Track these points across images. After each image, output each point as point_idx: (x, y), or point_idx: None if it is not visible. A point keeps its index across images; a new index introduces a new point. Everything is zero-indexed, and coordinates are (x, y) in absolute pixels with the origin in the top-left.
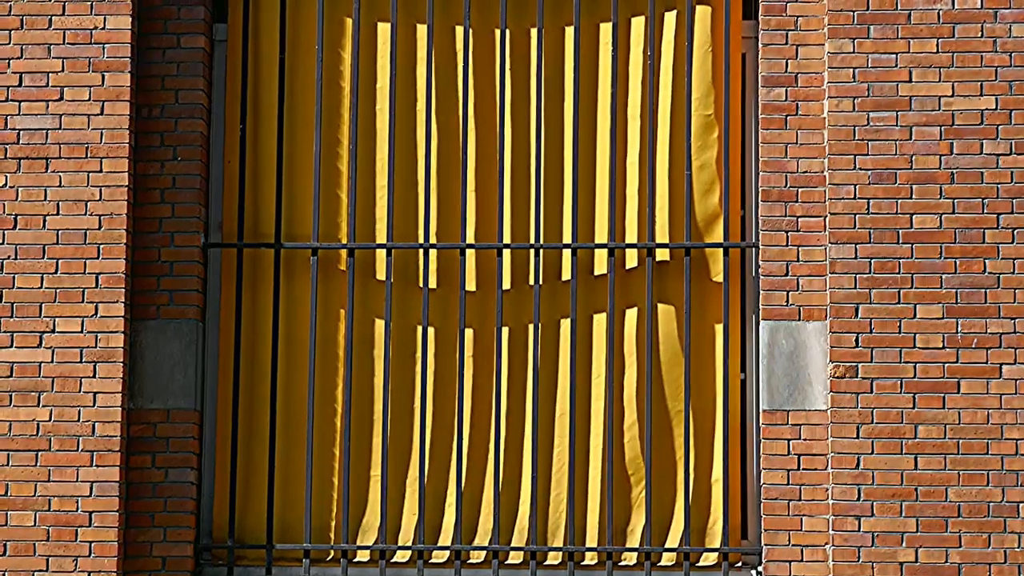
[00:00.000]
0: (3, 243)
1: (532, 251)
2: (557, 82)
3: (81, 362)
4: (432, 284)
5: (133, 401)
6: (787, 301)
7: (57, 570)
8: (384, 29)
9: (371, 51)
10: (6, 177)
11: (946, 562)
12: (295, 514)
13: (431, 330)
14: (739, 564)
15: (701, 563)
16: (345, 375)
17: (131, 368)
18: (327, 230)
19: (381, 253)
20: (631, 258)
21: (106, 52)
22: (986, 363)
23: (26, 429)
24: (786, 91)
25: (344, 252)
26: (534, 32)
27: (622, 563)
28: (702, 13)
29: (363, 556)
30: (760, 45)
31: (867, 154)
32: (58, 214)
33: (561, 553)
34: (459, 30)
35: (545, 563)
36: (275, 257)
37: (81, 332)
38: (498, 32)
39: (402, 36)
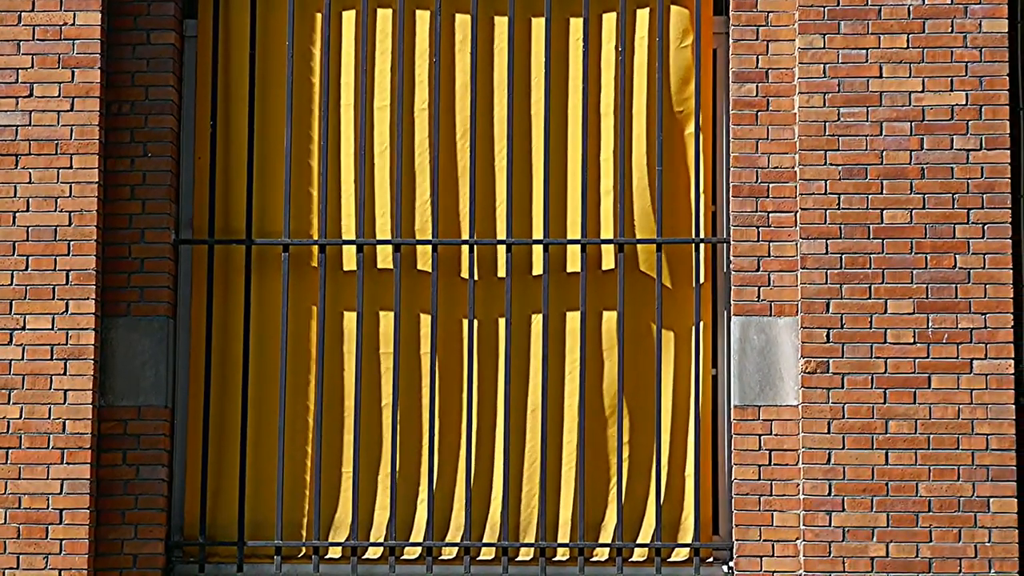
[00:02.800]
0: None
1: (503, 247)
2: (527, 77)
3: (51, 359)
4: (403, 281)
5: (104, 398)
6: (758, 296)
7: (28, 568)
8: (351, 26)
9: (341, 46)
10: None
11: (916, 556)
12: (267, 511)
13: (402, 326)
14: (710, 559)
15: (673, 558)
16: (316, 371)
17: (102, 365)
18: (298, 226)
19: (352, 249)
20: (605, 257)
21: (76, 48)
22: (956, 358)
23: None
24: (757, 87)
25: (315, 248)
26: (504, 27)
27: (594, 559)
28: (673, 9)
29: (335, 553)
30: (731, 41)
31: (838, 149)
32: (28, 211)
33: (533, 549)
34: (429, 25)
35: (517, 559)
36: (246, 253)
37: (51, 329)
38: (469, 27)
39: (371, 33)
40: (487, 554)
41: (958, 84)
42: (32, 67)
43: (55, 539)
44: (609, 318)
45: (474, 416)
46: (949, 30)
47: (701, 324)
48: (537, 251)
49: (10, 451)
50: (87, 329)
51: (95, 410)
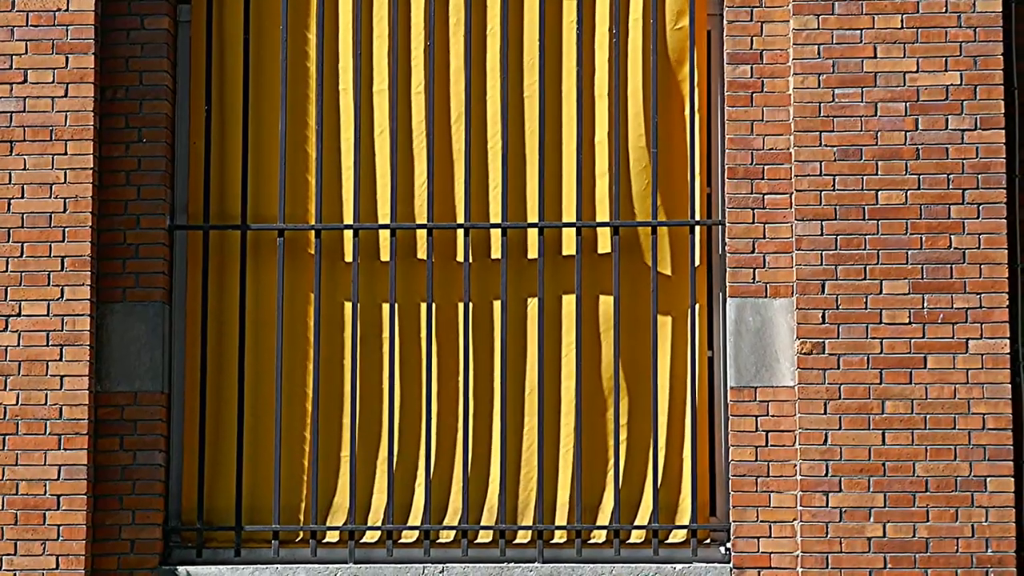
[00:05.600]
0: None
1: (498, 230)
2: (521, 59)
3: (48, 345)
4: (399, 265)
5: (100, 384)
6: (754, 278)
7: (26, 554)
8: (347, 8)
9: (335, 31)
10: None
11: (914, 537)
12: (264, 496)
13: (398, 310)
14: (707, 541)
15: (670, 540)
16: (313, 356)
17: (98, 351)
18: (293, 211)
19: (348, 234)
20: (600, 240)
21: (70, 34)
22: (952, 338)
23: None
24: (751, 68)
25: (311, 233)
26: (498, 8)
27: (591, 541)
28: None
29: (332, 537)
30: (725, 22)
31: (832, 130)
32: (23, 197)
33: (530, 532)
34: (424, 7)
35: (514, 542)
36: (241, 239)
37: (47, 315)
38: (463, 9)
39: (366, 14)
40: (485, 537)
41: (953, 64)
42: (26, 53)
43: (53, 525)
44: (605, 300)
45: (471, 400)
46: (943, 10)
47: (697, 306)
48: (532, 234)
49: (7, 437)
50: (83, 315)
51: (91, 396)
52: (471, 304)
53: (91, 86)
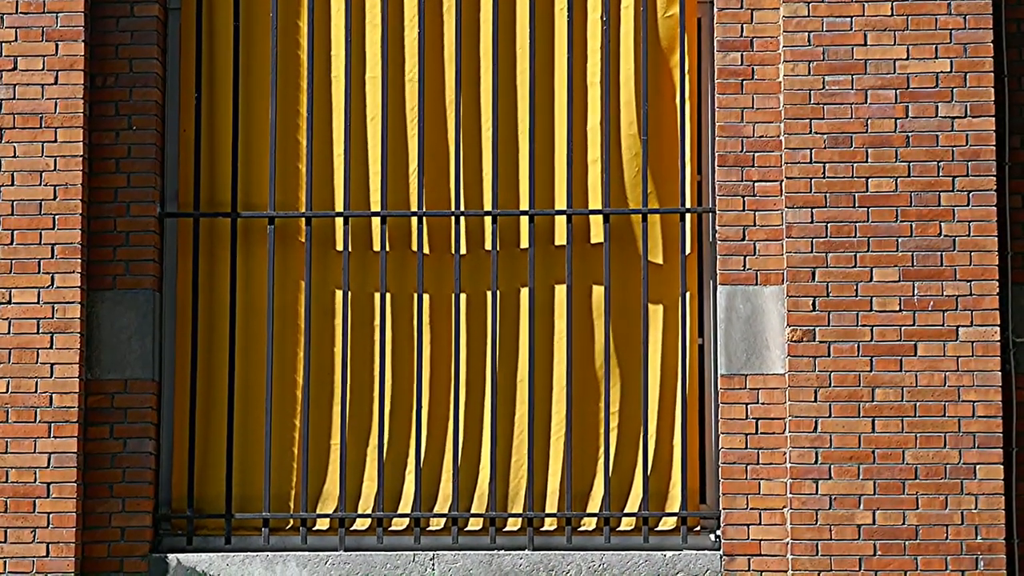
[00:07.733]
0: None
1: (489, 218)
2: (513, 47)
3: (38, 333)
4: (390, 253)
5: (90, 372)
6: (744, 266)
7: (16, 541)
8: None
9: (326, 18)
10: None
11: (903, 524)
12: (254, 483)
13: (389, 298)
14: (697, 528)
15: (660, 528)
16: (304, 344)
17: (88, 339)
18: (284, 199)
19: (338, 222)
20: (592, 228)
21: (59, 21)
22: (942, 325)
23: None
24: (742, 55)
25: (302, 221)
26: None
27: (581, 528)
28: None
29: (323, 524)
30: (715, 9)
31: (823, 118)
32: (13, 185)
33: (521, 519)
34: None
35: (504, 529)
36: (232, 226)
37: (37, 303)
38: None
39: (356, 2)
40: (475, 524)
41: (943, 51)
42: (16, 40)
43: (43, 513)
44: (596, 288)
45: (462, 387)
46: None
47: (687, 294)
48: (525, 222)
49: None
50: (73, 303)
51: (82, 383)
52: (463, 292)
53: (81, 73)
